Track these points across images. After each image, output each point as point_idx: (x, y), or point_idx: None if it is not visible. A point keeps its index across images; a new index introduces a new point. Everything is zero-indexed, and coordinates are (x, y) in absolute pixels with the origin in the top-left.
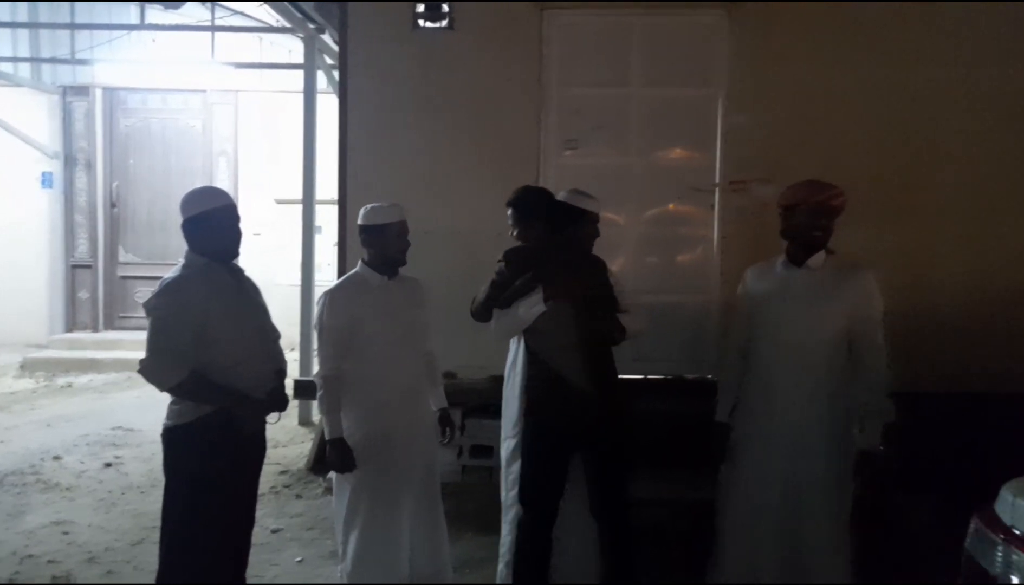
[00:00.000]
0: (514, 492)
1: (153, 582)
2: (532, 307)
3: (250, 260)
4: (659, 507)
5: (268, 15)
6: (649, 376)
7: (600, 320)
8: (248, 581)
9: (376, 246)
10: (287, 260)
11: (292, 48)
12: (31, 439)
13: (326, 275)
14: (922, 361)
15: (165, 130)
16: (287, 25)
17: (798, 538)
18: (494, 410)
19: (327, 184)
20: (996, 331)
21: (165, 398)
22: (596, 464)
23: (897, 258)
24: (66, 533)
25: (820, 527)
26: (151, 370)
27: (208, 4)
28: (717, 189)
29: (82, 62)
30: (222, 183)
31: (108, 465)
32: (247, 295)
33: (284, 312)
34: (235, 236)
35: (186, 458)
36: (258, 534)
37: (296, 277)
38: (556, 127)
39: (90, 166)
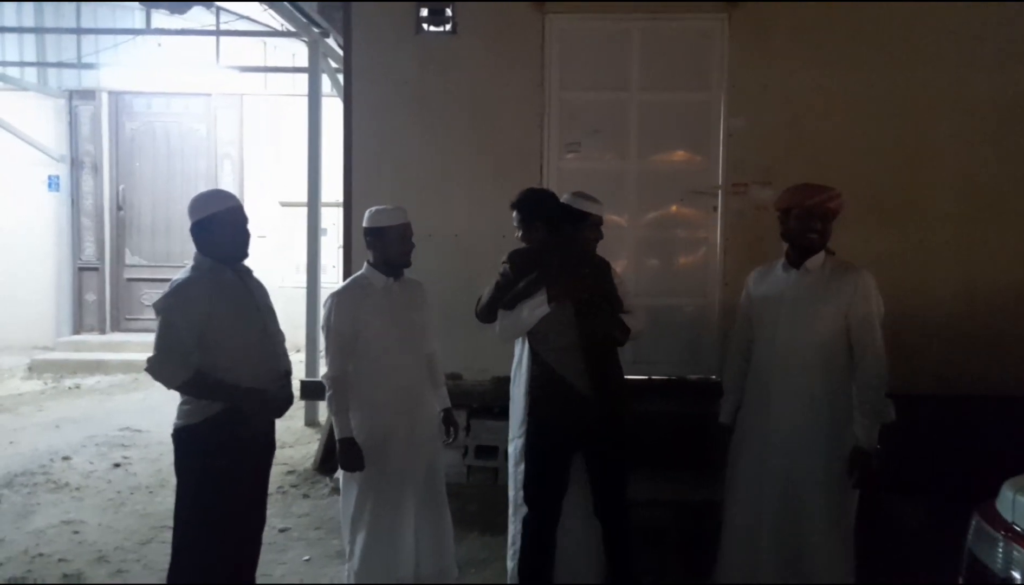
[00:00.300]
0: (522, 492)
1: (163, 581)
2: (536, 308)
3: (255, 262)
4: (661, 508)
5: (272, 19)
6: (652, 377)
7: (603, 320)
8: (256, 580)
9: (379, 248)
10: (292, 262)
11: (296, 52)
12: (40, 440)
13: (331, 277)
14: (918, 363)
15: (170, 133)
16: (291, 29)
17: (799, 539)
18: (499, 411)
19: (332, 187)
20: (991, 334)
21: (172, 399)
22: (597, 464)
23: (895, 260)
24: (76, 532)
25: (820, 528)
26: (158, 368)
27: (213, 8)
28: (719, 192)
29: (88, 66)
30: (227, 186)
31: (116, 465)
32: (253, 296)
33: (289, 314)
34: (244, 237)
35: (196, 457)
36: (266, 533)
37: (301, 279)
38: (558, 130)
39: (96, 169)
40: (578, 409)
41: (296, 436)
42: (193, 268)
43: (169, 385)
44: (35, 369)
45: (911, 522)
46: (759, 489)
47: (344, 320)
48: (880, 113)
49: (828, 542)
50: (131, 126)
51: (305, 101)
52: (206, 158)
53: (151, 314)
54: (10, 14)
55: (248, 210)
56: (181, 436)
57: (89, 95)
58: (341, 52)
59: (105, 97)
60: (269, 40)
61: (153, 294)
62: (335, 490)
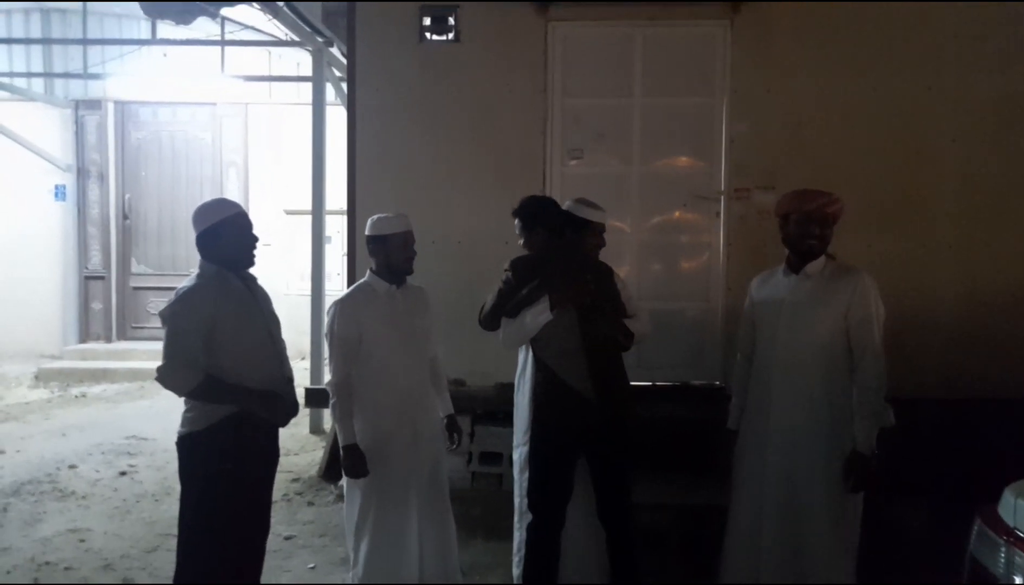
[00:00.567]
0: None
1: None
2: (538, 316)
3: (260, 270)
4: (665, 511)
5: (277, 29)
6: (655, 382)
7: (606, 325)
8: None
9: (382, 255)
10: (297, 270)
11: (301, 61)
12: (46, 448)
13: (336, 284)
14: (920, 365)
15: (176, 142)
16: (296, 39)
17: (800, 540)
18: (503, 417)
19: (336, 194)
20: (993, 336)
21: (178, 407)
22: (601, 469)
23: (897, 262)
24: (82, 540)
25: (821, 530)
26: (168, 376)
27: (218, 19)
28: (722, 197)
29: (94, 77)
30: (232, 194)
31: (122, 473)
32: (259, 303)
33: (294, 321)
34: (251, 242)
35: (200, 464)
36: (271, 540)
37: (306, 286)
38: (561, 136)
39: (102, 178)
40: (582, 414)
41: (301, 443)
42: (199, 276)
43: (180, 392)
44: (42, 377)
45: (913, 524)
46: (761, 491)
47: (347, 327)
48: (882, 117)
49: (829, 544)
50: (137, 135)
51: (309, 110)
52: (211, 166)
53: (157, 322)
54: (18, 25)
55: (253, 218)
56: (185, 443)
57: (95, 105)
58: (345, 61)
59: (111, 107)
60: (274, 49)
61: (159, 302)
62: (340, 497)
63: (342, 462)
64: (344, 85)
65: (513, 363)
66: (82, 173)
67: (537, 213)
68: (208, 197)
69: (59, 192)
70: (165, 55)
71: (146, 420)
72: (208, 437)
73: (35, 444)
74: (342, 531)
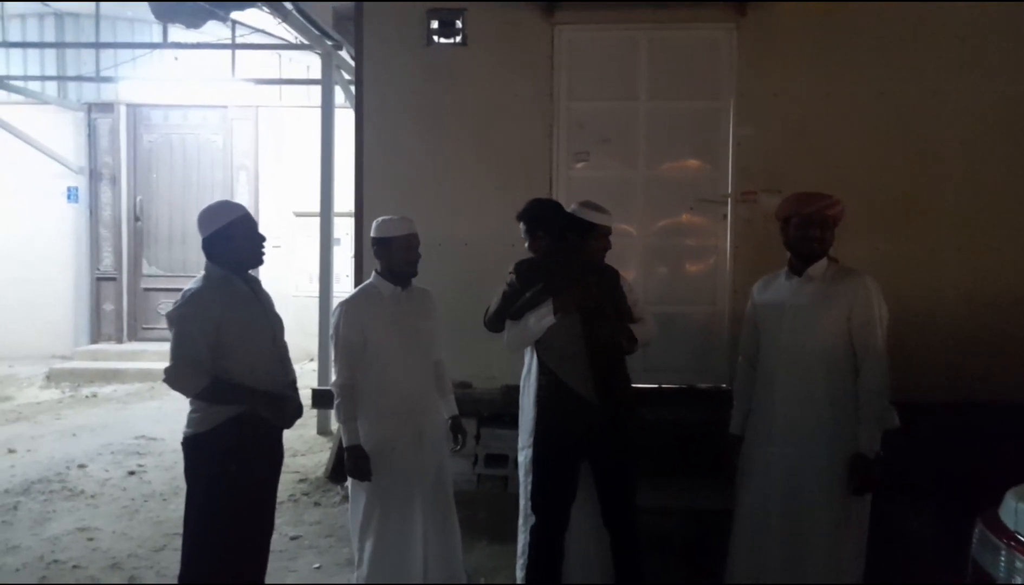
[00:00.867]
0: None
1: None
2: (542, 319)
3: (270, 272)
4: (671, 515)
5: (287, 32)
6: (662, 385)
7: (610, 329)
8: None
9: (386, 258)
10: (306, 272)
11: (311, 64)
12: (56, 448)
13: (344, 286)
14: (925, 369)
15: (187, 145)
16: (305, 42)
17: (805, 544)
18: (508, 420)
19: (345, 197)
20: (999, 340)
21: (186, 409)
22: (604, 473)
23: (904, 265)
24: (90, 539)
25: (826, 533)
26: (176, 378)
27: (229, 22)
28: (729, 200)
29: (106, 80)
30: (242, 196)
31: (131, 473)
32: (263, 306)
33: (302, 323)
34: (257, 244)
35: (205, 465)
36: (277, 541)
37: (315, 288)
38: (567, 140)
39: (114, 181)
40: (585, 418)
41: (308, 445)
42: (205, 279)
43: (187, 394)
44: (53, 378)
45: (916, 527)
46: (766, 495)
47: (352, 329)
48: (888, 120)
49: (833, 547)
50: (148, 138)
51: (319, 113)
52: (222, 169)
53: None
54: (32, 29)
55: (263, 220)
56: (190, 444)
57: (108, 108)
58: (353, 64)
59: (123, 110)
60: (284, 53)
61: (170, 304)
62: (346, 498)
63: (346, 463)
64: (353, 88)
65: (519, 366)
66: (94, 175)
67: (541, 217)
68: (212, 203)
69: (71, 194)
70: (176, 58)
71: (155, 421)
72: (213, 438)
73: (45, 444)
74: (348, 532)
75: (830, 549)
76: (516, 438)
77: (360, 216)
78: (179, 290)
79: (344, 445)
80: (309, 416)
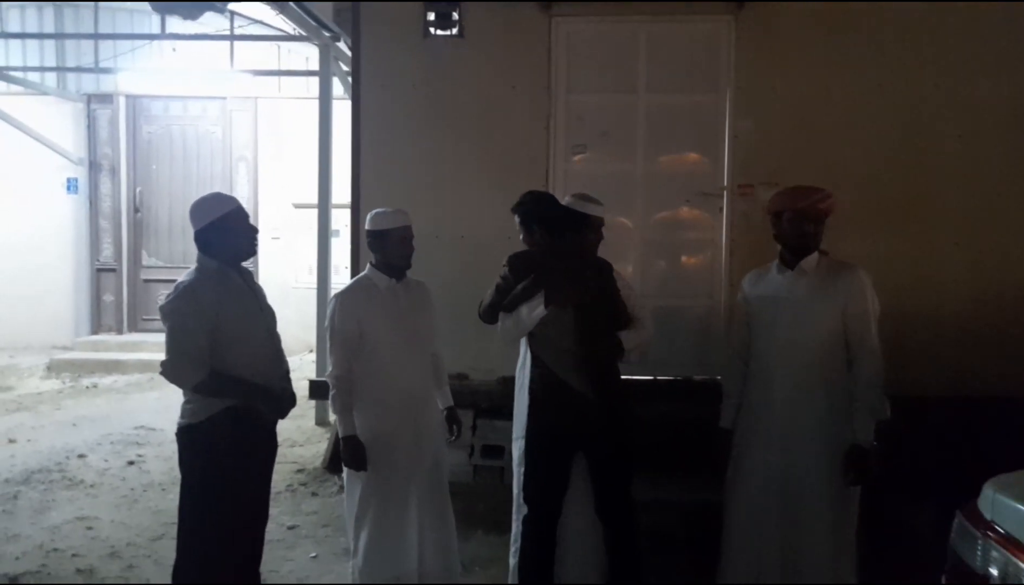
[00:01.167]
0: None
1: (171, 576)
2: (533, 311)
3: (269, 263)
4: (667, 509)
5: (286, 23)
6: (658, 378)
7: (598, 340)
8: (263, 575)
9: (380, 250)
10: (305, 263)
11: (310, 55)
12: (57, 438)
13: (343, 278)
14: (924, 364)
15: (186, 136)
16: (303, 34)
17: (800, 538)
18: (505, 411)
19: (344, 188)
20: (1000, 335)
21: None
22: (597, 465)
23: (903, 260)
24: (90, 528)
25: (821, 527)
26: (172, 371)
27: (227, 13)
28: (725, 193)
29: (106, 71)
30: (242, 188)
31: (131, 463)
32: (256, 297)
33: (301, 314)
34: (250, 236)
35: (200, 454)
36: (274, 530)
37: (314, 280)
38: (565, 133)
39: (114, 172)
40: (576, 411)
41: (307, 435)
42: (197, 271)
43: (185, 387)
44: (54, 368)
45: (916, 523)
46: (760, 490)
47: (347, 320)
48: (887, 113)
49: (829, 541)
50: (148, 129)
51: (317, 103)
52: (222, 161)
53: None
54: (31, 20)
55: (262, 212)
56: (185, 435)
57: (107, 99)
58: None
59: (122, 101)
60: (283, 44)
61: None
62: (343, 489)
63: (341, 453)
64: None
65: (516, 358)
66: (94, 167)
67: (535, 209)
68: (219, 191)
69: (71, 185)
70: (175, 50)
71: (155, 411)
72: (207, 429)
73: (46, 434)
74: (344, 522)
75: (825, 541)
76: (511, 429)
77: (356, 208)
78: None
79: (339, 435)
80: (307, 407)
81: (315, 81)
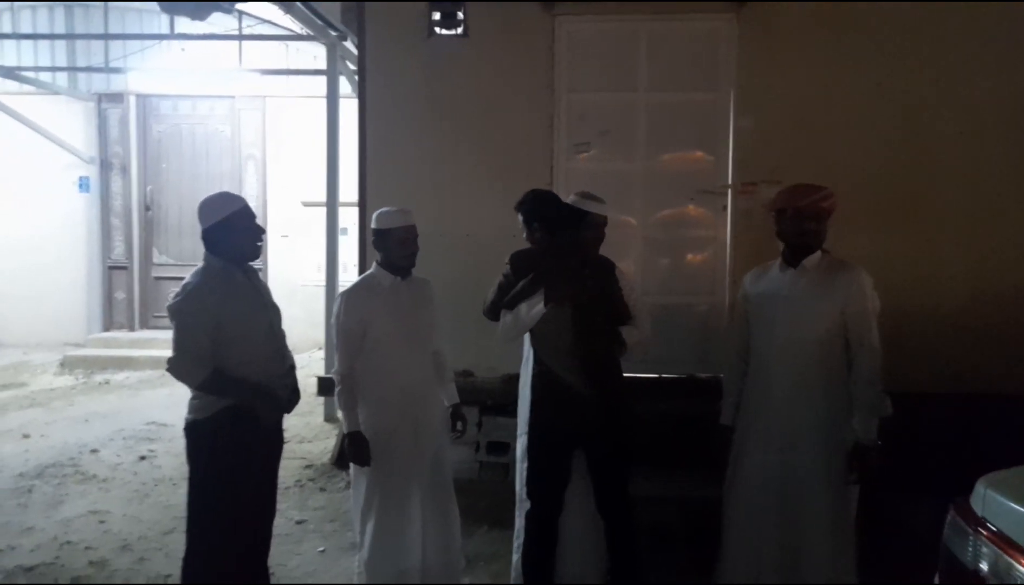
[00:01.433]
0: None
1: (181, 568)
2: (532, 309)
3: (278, 261)
4: (669, 505)
5: (294, 23)
6: (662, 375)
7: (597, 338)
8: (271, 569)
9: (384, 249)
10: (313, 261)
11: (318, 54)
12: (70, 434)
13: (351, 275)
14: (925, 362)
15: (196, 135)
16: (311, 33)
17: (799, 536)
18: (510, 408)
19: (351, 186)
20: (1000, 332)
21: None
22: (596, 462)
23: (904, 258)
24: (102, 522)
25: (821, 525)
26: (178, 369)
27: (235, 13)
28: (729, 191)
29: (116, 70)
30: (250, 186)
31: (142, 458)
32: (261, 296)
33: (310, 312)
34: (256, 235)
35: (206, 449)
36: (282, 525)
37: (322, 277)
38: (568, 131)
39: (125, 170)
40: (576, 408)
41: (315, 431)
42: (204, 270)
43: (190, 384)
44: (67, 365)
45: (915, 521)
46: (759, 488)
47: (352, 318)
48: (889, 111)
49: (828, 540)
50: (158, 128)
51: (325, 103)
52: (230, 159)
53: None
54: (42, 20)
55: (271, 210)
56: (191, 429)
57: (117, 98)
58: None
59: (133, 100)
60: (291, 43)
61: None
62: (350, 484)
63: (346, 448)
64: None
65: (520, 356)
66: (105, 165)
67: (538, 208)
68: (228, 190)
69: (83, 184)
70: (183, 49)
71: (166, 407)
72: (212, 424)
73: (59, 429)
74: (351, 517)
75: (825, 539)
76: (516, 426)
77: (363, 206)
78: None
79: (344, 430)
80: (316, 403)
81: (323, 80)
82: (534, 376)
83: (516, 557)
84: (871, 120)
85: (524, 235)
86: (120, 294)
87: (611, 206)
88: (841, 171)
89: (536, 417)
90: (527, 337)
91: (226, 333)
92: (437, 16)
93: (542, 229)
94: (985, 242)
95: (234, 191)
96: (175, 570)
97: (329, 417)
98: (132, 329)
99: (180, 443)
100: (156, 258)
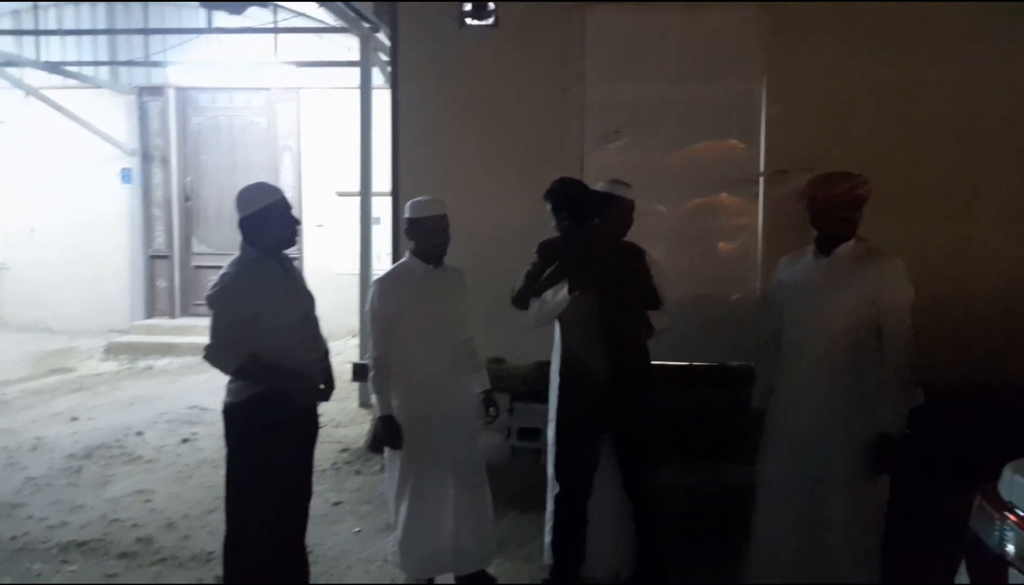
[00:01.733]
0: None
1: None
2: (557, 296)
3: (313, 250)
4: (701, 493)
5: (328, 15)
6: (692, 364)
7: (623, 324)
8: (309, 548)
9: (416, 238)
10: (348, 250)
11: (352, 46)
12: (115, 417)
13: (384, 264)
14: (960, 352)
15: (233, 127)
16: (344, 25)
17: (825, 529)
18: (541, 395)
19: (385, 177)
20: None
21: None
22: (623, 446)
23: (940, 249)
24: (148, 501)
25: (848, 518)
26: (214, 356)
27: (271, 7)
28: (761, 179)
29: (156, 64)
30: (286, 177)
31: (185, 441)
32: (295, 284)
33: (344, 300)
34: (292, 226)
35: (243, 431)
36: (319, 506)
37: (356, 267)
38: (599, 121)
39: (165, 162)
40: (601, 394)
41: (351, 416)
42: (240, 260)
43: (225, 371)
44: (112, 351)
45: (943, 511)
46: (788, 475)
47: (386, 305)
48: (924, 100)
49: (854, 533)
50: (197, 120)
51: (359, 94)
52: (267, 150)
53: None
54: (85, 16)
55: (306, 201)
56: (230, 412)
57: (157, 91)
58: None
59: (172, 93)
60: (325, 35)
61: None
62: (385, 467)
63: (379, 432)
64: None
65: (551, 343)
66: (146, 157)
67: (566, 195)
68: (265, 180)
69: (126, 175)
70: (221, 43)
71: (207, 392)
72: (248, 407)
73: (105, 412)
74: (386, 499)
75: (850, 527)
76: (548, 412)
77: (397, 196)
78: None
79: (378, 414)
80: (351, 389)
81: (356, 71)
82: (562, 362)
83: (547, 540)
84: (907, 108)
85: (553, 224)
86: (162, 282)
87: (643, 195)
88: (875, 158)
89: (564, 402)
90: (556, 323)
91: (262, 321)
92: (468, 7)
93: (569, 217)
94: (1022, 231)
95: (270, 182)
96: (218, 547)
97: (364, 402)
98: (173, 316)
99: (220, 427)
100: (196, 247)
